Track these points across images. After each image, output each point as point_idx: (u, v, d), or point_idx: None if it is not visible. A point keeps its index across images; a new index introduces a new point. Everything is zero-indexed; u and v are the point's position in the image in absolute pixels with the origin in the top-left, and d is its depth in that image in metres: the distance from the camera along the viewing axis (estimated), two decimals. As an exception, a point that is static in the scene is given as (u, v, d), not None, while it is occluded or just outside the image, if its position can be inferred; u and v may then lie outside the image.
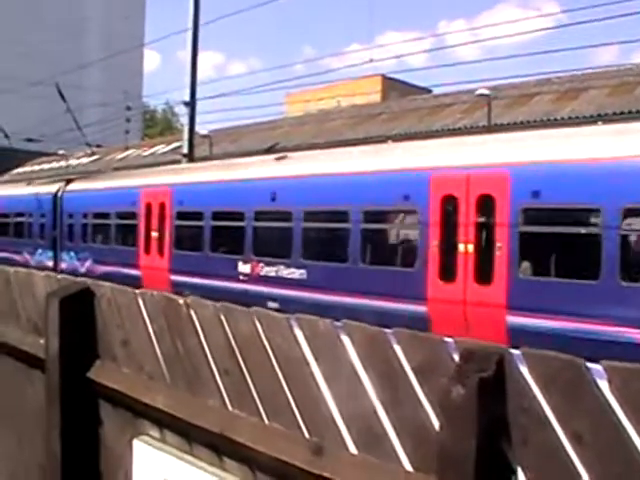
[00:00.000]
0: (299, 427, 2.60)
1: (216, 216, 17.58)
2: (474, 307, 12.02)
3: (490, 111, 25.69)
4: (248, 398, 2.82)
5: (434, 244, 12.70)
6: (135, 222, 20.56)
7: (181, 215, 18.90)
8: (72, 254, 24.09)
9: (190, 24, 27.52)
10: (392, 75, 61.25)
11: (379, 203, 13.91)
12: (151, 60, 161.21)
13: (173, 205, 19.11)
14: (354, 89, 52.28)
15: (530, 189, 11.53)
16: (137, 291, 3.49)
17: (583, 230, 11.33)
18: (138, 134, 73.89)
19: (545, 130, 14.84)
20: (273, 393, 2.70)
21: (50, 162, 57.74)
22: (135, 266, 20.23)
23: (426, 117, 31.04)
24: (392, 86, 65.95)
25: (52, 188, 26.03)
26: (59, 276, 4.35)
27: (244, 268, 16.44)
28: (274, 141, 34.12)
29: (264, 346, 2.72)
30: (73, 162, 53.11)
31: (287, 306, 13.48)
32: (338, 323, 2.49)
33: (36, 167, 59.27)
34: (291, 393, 2.64)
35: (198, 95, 28.23)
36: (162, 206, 19.47)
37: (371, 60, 26.89)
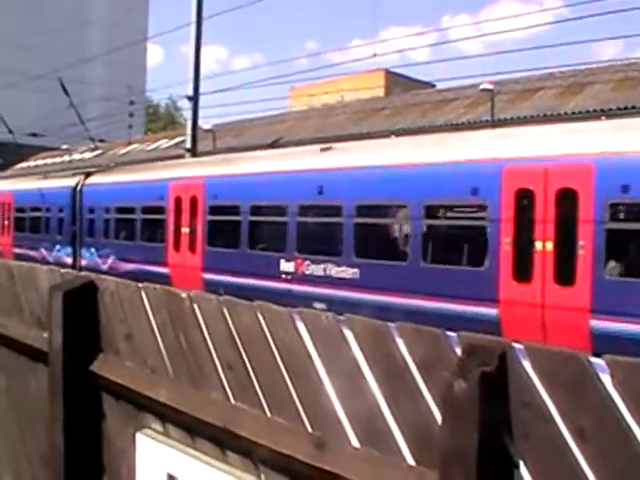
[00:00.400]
0: (302, 421, 2.61)
1: (255, 211, 16.59)
2: (553, 310, 11.13)
3: (493, 106, 25.64)
4: (251, 392, 2.82)
5: (506, 242, 11.77)
6: (163, 217, 19.44)
7: (215, 209, 17.78)
8: (93, 250, 23.00)
9: (194, 18, 27.50)
10: (395, 70, 61.32)
11: (443, 197, 12.90)
12: (154, 54, 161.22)
13: (206, 199, 17.95)
14: (358, 84, 52.27)
15: (619, 183, 10.65)
16: (140, 285, 3.49)
17: None
18: (141, 129, 73.87)
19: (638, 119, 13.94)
20: (276, 387, 2.71)
21: (53, 157, 57.77)
22: (163, 264, 19.15)
23: (429, 112, 30.99)
24: (395, 81, 65.95)
25: (71, 182, 24.94)
26: (62, 270, 4.35)
27: (287, 266, 15.34)
28: (278, 135, 34.09)
29: (267, 340, 2.72)
30: (76, 157, 53.12)
31: (336, 307, 12.00)
32: (340, 317, 2.49)
33: (40, 162, 59.35)
34: (294, 387, 2.64)
35: (201, 89, 28.27)
36: (194, 200, 18.33)
37: (374, 55, 26.88)
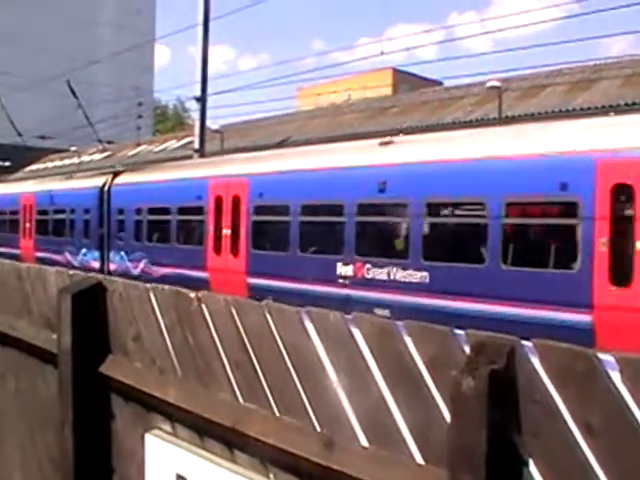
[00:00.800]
0: (310, 420, 2.60)
1: (306, 210, 15.27)
2: None
3: (501, 103, 25.58)
4: (259, 392, 2.82)
5: (602, 242, 10.68)
6: (202, 218, 18.15)
7: (261, 209, 16.53)
8: (123, 254, 21.52)
9: (200, 19, 27.54)
10: (403, 68, 61.27)
11: (527, 193, 11.72)
12: (162, 55, 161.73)
13: (250, 198, 16.67)
14: (365, 82, 52.21)
15: None
16: (148, 286, 3.49)
17: None
18: (149, 130, 74.04)
19: None
20: (284, 386, 2.70)
21: (62, 159, 57.99)
22: (202, 268, 17.88)
23: (437, 110, 30.97)
24: (403, 79, 65.93)
25: (97, 181, 23.58)
26: (71, 272, 4.35)
27: (344, 270, 14.12)
28: (286, 135, 34.11)
29: (275, 339, 2.72)
30: (85, 158, 53.28)
31: (401, 314, 11.19)
32: (348, 316, 2.49)
33: (49, 164, 59.56)
34: (302, 386, 2.64)
35: (209, 90, 28.32)
36: (237, 199, 17.06)
37: (382, 52, 26.89)
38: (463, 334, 2.12)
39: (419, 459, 2.23)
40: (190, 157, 27.99)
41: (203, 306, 3.09)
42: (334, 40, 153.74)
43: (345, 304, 12.62)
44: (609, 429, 1.78)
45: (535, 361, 1.94)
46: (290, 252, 15.47)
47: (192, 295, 3.16)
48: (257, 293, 14.57)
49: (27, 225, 27.52)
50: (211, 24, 27.84)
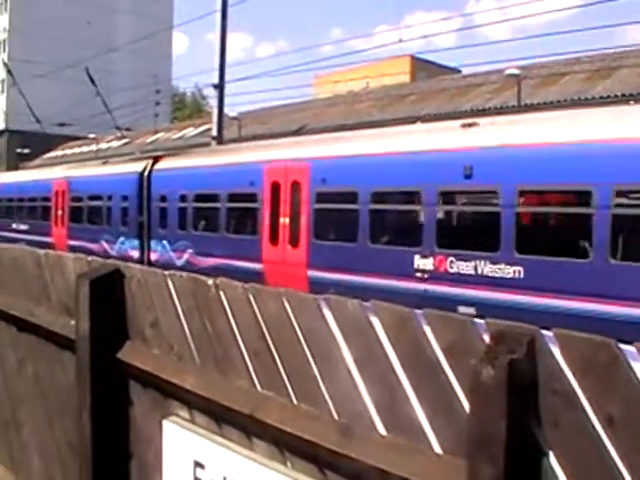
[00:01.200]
0: (328, 408, 2.60)
1: (377, 198, 14.01)
2: None
3: (520, 91, 25.45)
4: (277, 379, 2.82)
5: None
6: (255, 205, 16.89)
7: (324, 196, 15.20)
8: (165, 243, 20.20)
9: (219, 6, 27.50)
10: (421, 56, 60.99)
11: None
12: (180, 43, 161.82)
13: (312, 184, 15.38)
14: (383, 70, 52.05)
15: None
16: (166, 272, 3.49)
17: None
18: (167, 117, 74.33)
19: None
20: (302, 374, 2.70)
21: (80, 146, 58.28)
22: (255, 259, 16.60)
23: (455, 97, 30.85)
24: (421, 67, 65.67)
25: (136, 167, 22.26)
26: (89, 258, 4.36)
27: (423, 263, 12.87)
28: (303, 123, 34.08)
29: (293, 327, 2.72)
30: (103, 146, 53.53)
31: (489, 312, 9.79)
32: (367, 304, 2.47)
33: (67, 151, 59.86)
34: (320, 374, 2.63)
35: (227, 77, 28.28)
36: (296, 185, 15.84)
37: (400, 40, 26.79)
38: (483, 323, 2.10)
39: (437, 449, 2.22)
40: (208, 144, 28.02)
41: (221, 293, 3.08)
42: (352, 28, 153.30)
43: (422, 300, 11.71)
44: (630, 420, 1.76)
45: (555, 351, 1.92)
46: (358, 243, 14.23)
47: (210, 282, 3.16)
48: (318, 287, 13.41)
49: (59, 212, 26.53)
50: (229, 11, 27.83)
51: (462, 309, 11.49)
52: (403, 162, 13.44)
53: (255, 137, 30.32)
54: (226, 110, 30.56)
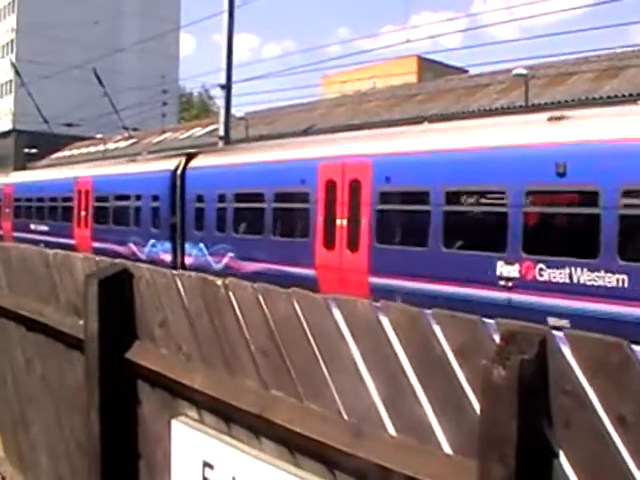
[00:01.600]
0: (338, 409, 2.59)
1: (451, 198, 12.90)
2: None
3: (527, 91, 25.41)
4: (286, 379, 2.81)
5: None
6: (307, 206, 15.66)
7: (388, 196, 14.01)
8: (202, 247, 18.87)
9: (225, 7, 27.55)
10: (428, 56, 60.96)
11: None
12: (186, 43, 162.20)
13: (374, 182, 14.08)
14: (390, 70, 52.07)
15: None
16: (175, 272, 3.49)
17: None
18: (174, 117, 74.44)
19: None
20: (311, 374, 2.69)
21: (88, 146, 58.44)
22: (307, 264, 15.40)
23: (462, 97, 30.84)
24: (428, 67, 65.69)
25: (168, 165, 20.87)
26: (97, 258, 4.36)
27: (507, 270, 11.72)
28: (310, 123, 34.08)
29: (302, 327, 2.71)
30: (110, 146, 53.65)
31: (585, 324, 9.26)
32: (377, 303, 2.47)
33: (75, 151, 60.02)
34: (329, 374, 2.62)
35: (234, 78, 28.32)
36: (355, 184, 14.54)
37: (408, 40, 26.78)
38: (493, 323, 2.10)
39: (448, 449, 2.22)
40: (215, 144, 28.05)
41: (230, 293, 3.08)
42: (359, 28, 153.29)
43: (505, 310, 10.89)
44: (642, 420, 1.75)
45: (567, 351, 1.91)
46: (429, 247, 13.02)
47: (219, 282, 3.16)
48: (381, 294, 11.76)
49: (83, 213, 25.20)
50: (236, 12, 27.87)
51: (552, 320, 10.67)
52: (482, 159, 12.39)
53: (262, 137, 30.33)
54: (233, 110, 30.62)
